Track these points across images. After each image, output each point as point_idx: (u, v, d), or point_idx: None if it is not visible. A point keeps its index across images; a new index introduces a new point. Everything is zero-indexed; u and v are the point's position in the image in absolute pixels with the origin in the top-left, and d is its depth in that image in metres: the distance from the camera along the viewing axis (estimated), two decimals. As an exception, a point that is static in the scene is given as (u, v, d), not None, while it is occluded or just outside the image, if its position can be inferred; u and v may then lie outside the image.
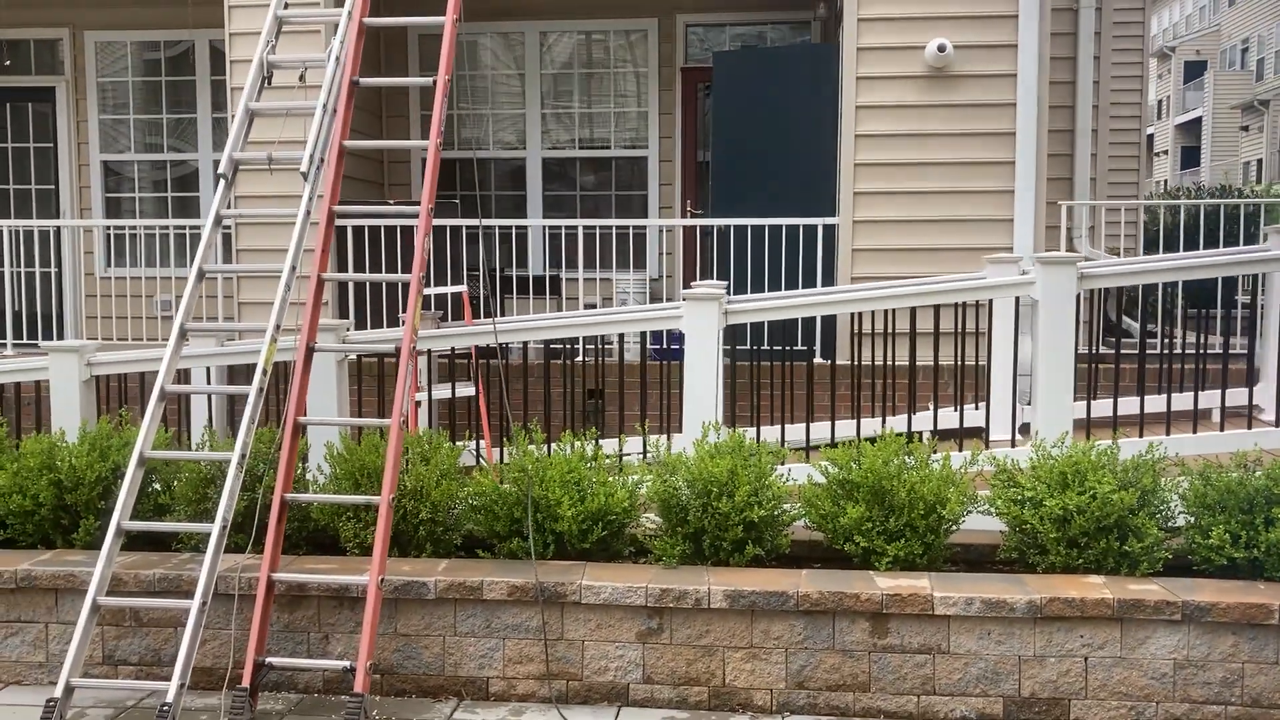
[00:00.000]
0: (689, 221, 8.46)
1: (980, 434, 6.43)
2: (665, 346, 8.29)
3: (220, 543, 4.56)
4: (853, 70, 7.68)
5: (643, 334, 7.08)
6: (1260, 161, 43.38)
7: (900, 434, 5.14)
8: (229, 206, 5.98)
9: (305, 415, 5.04)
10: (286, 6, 5.98)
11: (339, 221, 8.26)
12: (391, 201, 9.51)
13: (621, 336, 7.29)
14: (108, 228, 10.00)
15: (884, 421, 6.05)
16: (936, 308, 6.47)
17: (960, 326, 6.63)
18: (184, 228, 9.65)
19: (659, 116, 9.78)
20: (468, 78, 10.13)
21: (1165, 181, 45.53)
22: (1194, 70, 49.16)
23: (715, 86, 8.68)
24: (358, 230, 8.23)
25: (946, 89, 7.64)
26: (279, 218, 7.52)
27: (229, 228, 8.54)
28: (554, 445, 5.32)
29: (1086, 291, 6.31)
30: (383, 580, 4.52)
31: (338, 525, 5.16)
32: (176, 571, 4.86)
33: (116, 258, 9.95)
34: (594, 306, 9.30)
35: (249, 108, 5.80)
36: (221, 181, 5.69)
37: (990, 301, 6.36)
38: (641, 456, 5.97)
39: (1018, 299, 6.18)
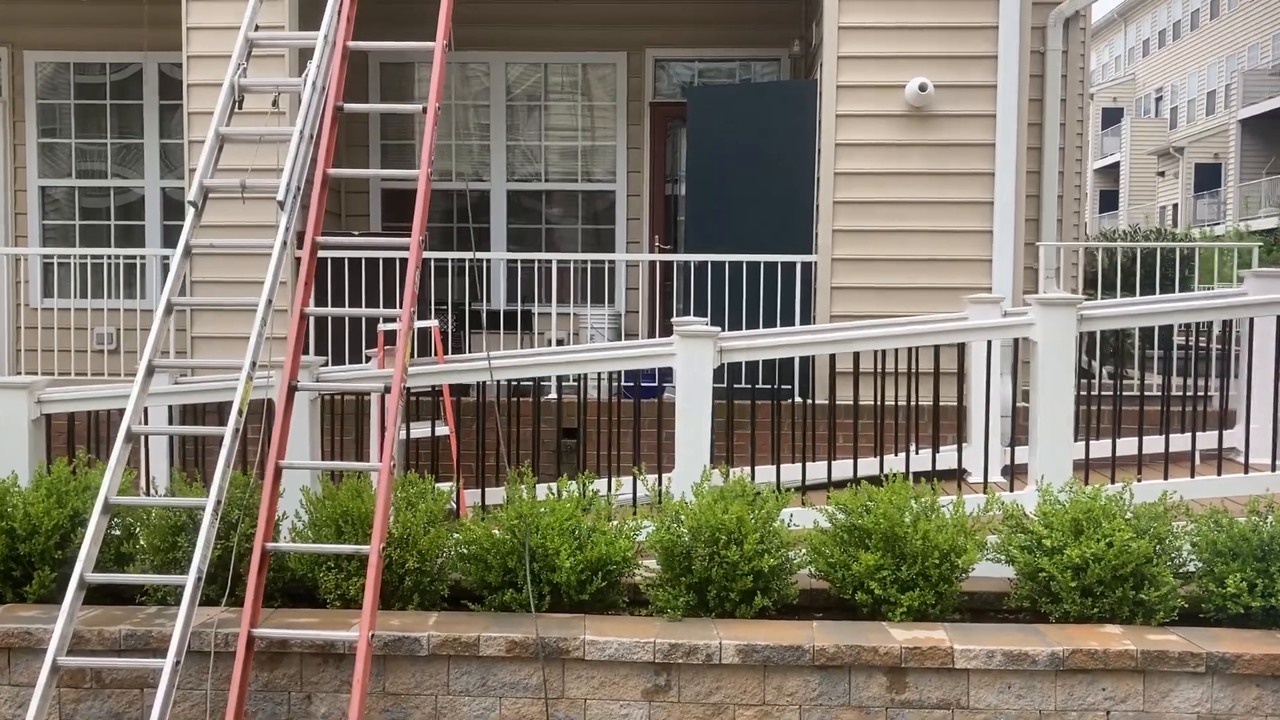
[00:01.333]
0: (666, 257, 8.33)
1: (956, 475, 6.35)
2: (637, 384, 8.14)
3: (195, 596, 4.25)
4: (832, 108, 7.65)
5: (620, 372, 6.89)
6: (1175, 206, 44.89)
7: (892, 474, 5.02)
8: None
9: (285, 458, 4.74)
10: (257, 29, 5.73)
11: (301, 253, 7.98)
12: (363, 233, 9.24)
13: (587, 376, 7.10)
14: (45, 256, 9.54)
15: (855, 463, 5.92)
16: (914, 349, 6.44)
17: (938, 367, 6.58)
18: (130, 258, 9.25)
19: (627, 151, 9.67)
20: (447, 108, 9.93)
21: (1085, 225, 46.76)
22: (1111, 117, 50.81)
23: (690, 121, 8.59)
24: (323, 262, 7.92)
25: (926, 128, 7.64)
26: (251, 249, 7.20)
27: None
28: (546, 489, 5.09)
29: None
30: (373, 636, 4.24)
31: (317, 575, 4.87)
32: (145, 628, 4.52)
33: (53, 288, 9.48)
34: (562, 342, 9.10)
35: (220, 132, 5.55)
36: (190, 210, 5.41)
37: (969, 344, 6.36)
38: (632, 500, 5.77)
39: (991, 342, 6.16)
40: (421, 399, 7.33)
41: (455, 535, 4.98)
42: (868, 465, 6.04)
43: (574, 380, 7.24)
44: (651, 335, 9.42)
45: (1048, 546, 4.70)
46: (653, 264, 9.40)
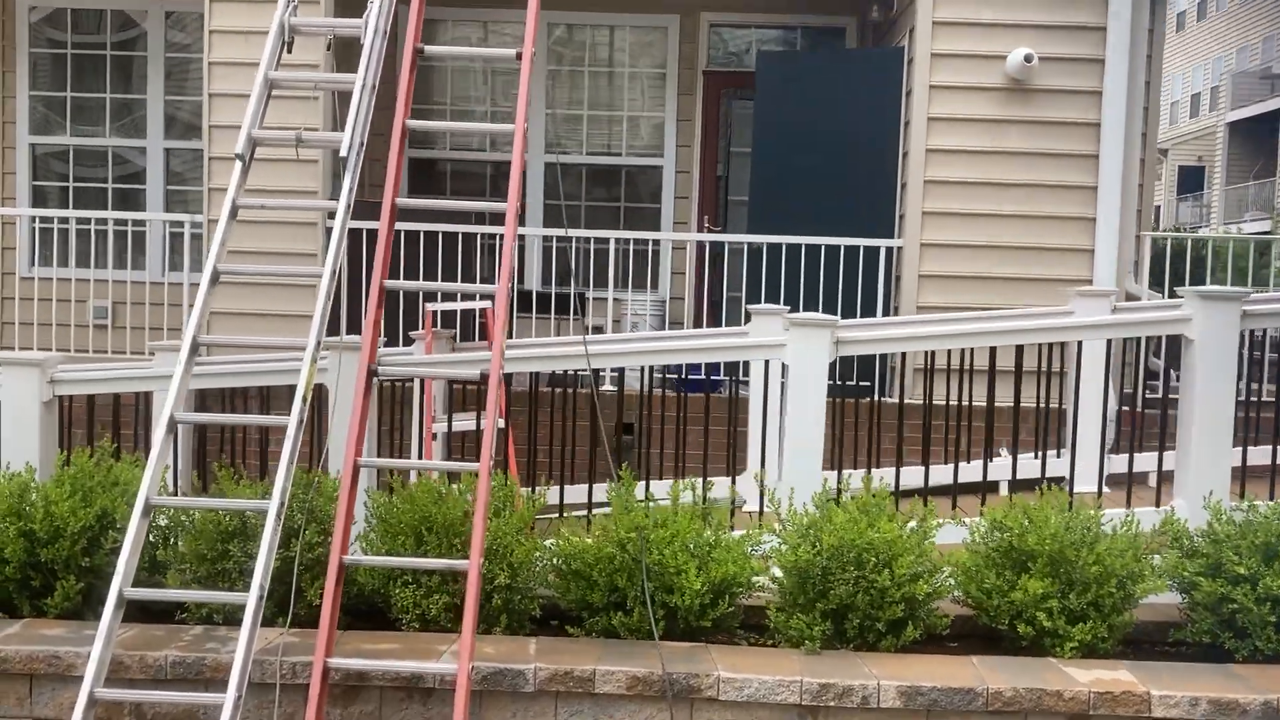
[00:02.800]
0: (735, 237, 7.70)
1: (1054, 482, 5.79)
2: (684, 377, 7.55)
3: (257, 618, 3.63)
4: (925, 78, 7.07)
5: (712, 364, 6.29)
6: (1158, 209, 44.94)
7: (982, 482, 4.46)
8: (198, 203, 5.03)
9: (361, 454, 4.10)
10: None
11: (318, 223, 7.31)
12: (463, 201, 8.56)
13: (652, 368, 6.50)
14: (34, 219, 8.77)
15: (955, 468, 5.36)
16: (1020, 346, 5.89)
17: (1041, 365, 6.04)
18: (129, 224, 8.53)
19: (677, 124, 9.04)
20: (464, 69, 9.26)
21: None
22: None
23: (759, 90, 7.98)
24: (355, 235, 7.25)
25: (1026, 103, 7.08)
26: (303, 209, 6.54)
27: (199, 227, 7.49)
28: (607, 489, 4.49)
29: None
30: (472, 668, 3.63)
31: (390, 591, 4.25)
32: (194, 653, 3.88)
33: (44, 256, 8.72)
34: (600, 329, 8.48)
35: (270, 77, 4.89)
36: (238, 165, 4.76)
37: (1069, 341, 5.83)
38: (734, 508, 5.18)
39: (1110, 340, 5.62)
40: (467, 387, 6.70)
41: (549, 545, 4.37)
42: (963, 470, 5.47)
43: (635, 370, 6.69)
44: (698, 323, 8.81)
45: (1237, 574, 4.16)
46: (700, 247, 8.80)
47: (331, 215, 4.65)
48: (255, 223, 7.24)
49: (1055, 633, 4.13)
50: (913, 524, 4.28)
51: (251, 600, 3.62)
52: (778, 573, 4.29)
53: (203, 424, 5.63)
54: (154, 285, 8.53)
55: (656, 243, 8.82)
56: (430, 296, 6.88)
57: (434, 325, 6.52)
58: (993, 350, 5.75)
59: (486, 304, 6.68)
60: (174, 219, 7.69)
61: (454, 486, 4.42)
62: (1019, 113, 7.11)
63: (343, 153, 4.76)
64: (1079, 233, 7.13)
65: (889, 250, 7.29)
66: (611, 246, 7.89)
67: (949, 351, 6.09)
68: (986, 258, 7.15)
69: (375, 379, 4.21)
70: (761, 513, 5.09)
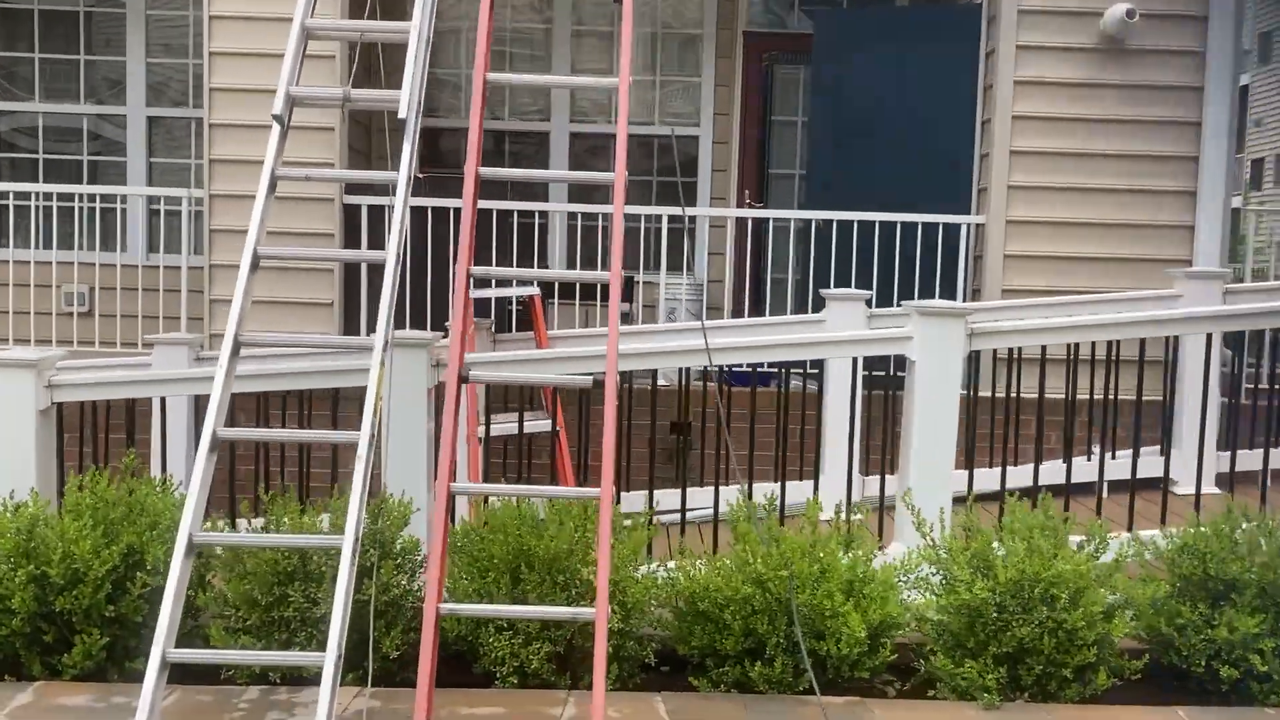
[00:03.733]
0: (802, 214, 7.01)
1: (1159, 485, 5.25)
2: (725, 369, 6.91)
3: (336, 684, 2.96)
4: (1013, 35, 6.45)
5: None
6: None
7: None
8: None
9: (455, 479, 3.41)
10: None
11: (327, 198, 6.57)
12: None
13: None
14: (-1, 196, 7.92)
15: (1036, 469, 4.77)
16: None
17: (1143, 356, 5.46)
18: (107, 200, 7.69)
19: (714, 89, 8.34)
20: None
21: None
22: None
23: (816, 52, 7.32)
24: (375, 211, 6.52)
25: (1122, 65, 6.48)
26: (352, 181, 5.75)
27: (200, 202, 6.69)
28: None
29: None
30: (604, 742, 2.97)
31: (479, 639, 3.58)
32: (256, 727, 3.19)
33: (10, 235, 7.88)
34: (630, 317, 7.81)
35: (306, 26, 4.17)
36: (276, 128, 4.03)
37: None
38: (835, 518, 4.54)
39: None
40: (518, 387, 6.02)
41: (663, 579, 3.72)
42: (1051, 471, 4.88)
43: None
44: (737, 310, 8.14)
45: None
46: (740, 225, 8.12)
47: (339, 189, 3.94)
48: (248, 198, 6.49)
49: (1269, 677, 3.55)
50: (1081, 546, 3.68)
51: (329, 663, 2.95)
52: (932, 613, 3.67)
53: (247, 440, 4.87)
54: (136, 269, 7.71)
55: (692, 222, 8.17)
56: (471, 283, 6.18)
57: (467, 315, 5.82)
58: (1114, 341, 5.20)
59: (531, 290, 5.98)
60: (169, 194, 6.89)
61: (552, 513, 3.74)
62: (1114, 75, 6.50)
63: (402, 113, 4.07)
64: (1177, 208, 6.55)
65: (965, 228, 6.67)
66: (642, 225, 7.24)
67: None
68: (1076, 236, 6.56)
69: (465, 385, 3.50)
70: (849, 523, 4.49)
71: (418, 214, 6.52)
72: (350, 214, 6.54)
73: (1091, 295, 6.28)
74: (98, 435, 5.08)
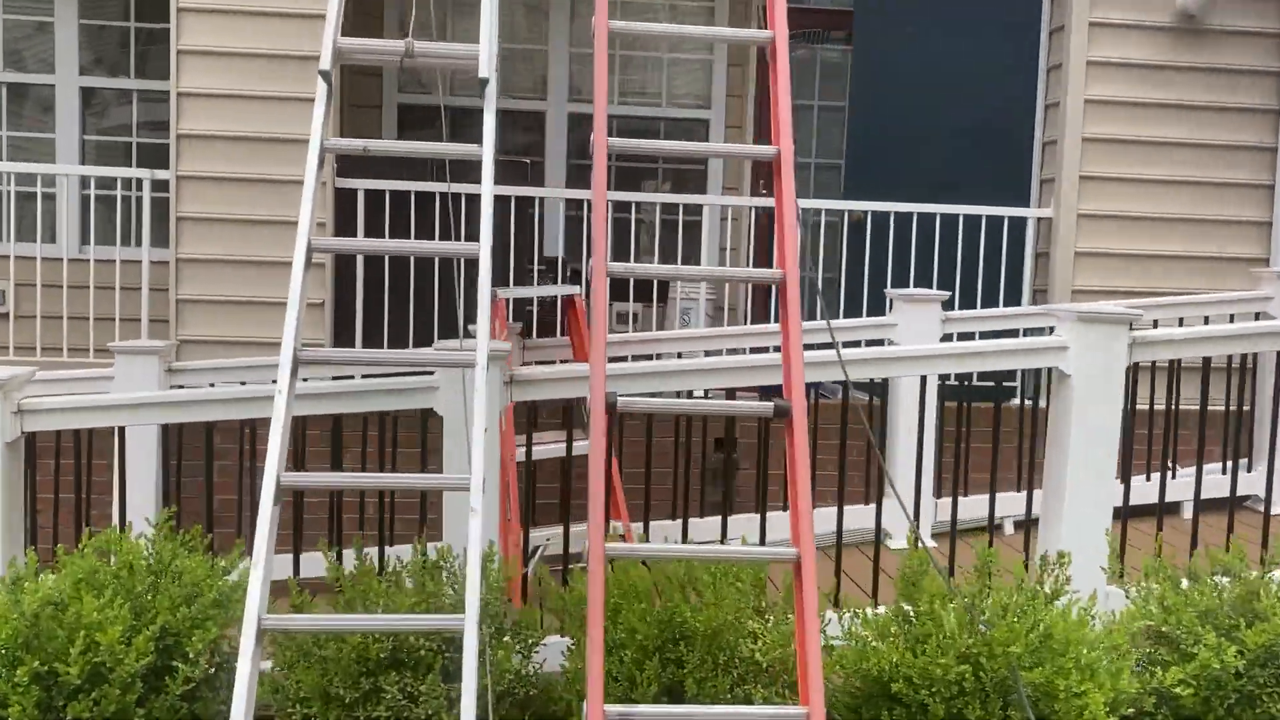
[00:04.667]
0: (840, 204, 6.33)
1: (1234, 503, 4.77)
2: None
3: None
4: (1085, 11, 5.92)
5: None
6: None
7: None
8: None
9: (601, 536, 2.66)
10: None
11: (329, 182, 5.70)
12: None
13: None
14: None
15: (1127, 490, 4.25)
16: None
17: (1246, 363, 4.99)
18: (29, 181, 6.64)
19: (727, 69, 7.66)
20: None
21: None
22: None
23: (857, 27, 6.70)
24: (373, 196, 5.66)
25: (1196, 46, 6.01)
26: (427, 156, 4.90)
27: (164, 184, 5.73)
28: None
29: None
30: None
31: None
32: None
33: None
34: (634, 317, 7.10)
35: (351, -36, 3.35)
36: (321, 87, 3.24)
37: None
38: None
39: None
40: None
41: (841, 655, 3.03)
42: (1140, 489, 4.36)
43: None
44: (757, 312, 7.49)
45: None
46: (759, 219, 7.46)
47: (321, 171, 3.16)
48: (244, 181, 5.60)
49: None
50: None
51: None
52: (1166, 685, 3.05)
53: (319, 488, 3.99)
54: (67, 263, 6.66)
55: (696, 210, 7.47)
56: (499, 280, 5.40)
57: (507, 318, 5.04)
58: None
59: (570, 289, 5.22)
60: (124, 174, 5.89)
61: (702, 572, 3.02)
62: (1186, 57, 6.03)
63: (483, 71, 3.33)
64: (1253, 203, 6.11)
65: (1024, 221, 6.14)
66: (657, 216, 6.56)
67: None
68: (1147, 232, 6.07)
69: (614, 413, 2.76)
70: (918, 548, 3.87)
71: (424, 201, 5.71)
72: (344, 199, 5.68)
73: (1172, 297, 5.81)
74: (59, 467, 4.21)
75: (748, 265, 7.30)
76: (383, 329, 5.69)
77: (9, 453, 3.44)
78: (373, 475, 3.72)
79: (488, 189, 3.21)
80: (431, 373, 3.68)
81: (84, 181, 6.63)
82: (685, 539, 4.41)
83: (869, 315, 6.11)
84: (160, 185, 5.82)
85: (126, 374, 4.93)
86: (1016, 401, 5.76)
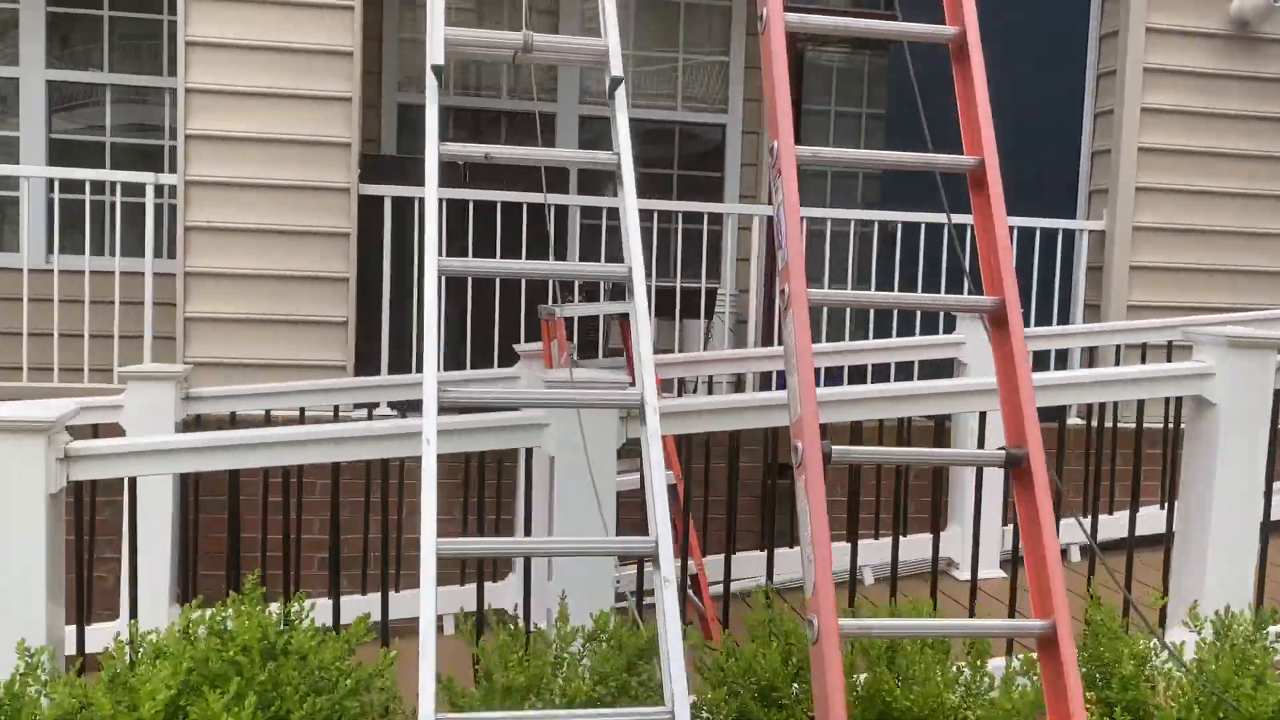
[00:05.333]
0: (874, 214, 6.06)
1: None
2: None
3: None
4: (1141, 17, 5.73)
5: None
6: None
7: None
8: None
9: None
10: None
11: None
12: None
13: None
14: None
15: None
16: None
17: None
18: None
19: (744, 71, 7.34)
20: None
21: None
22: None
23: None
24: (401, 204, 5.20)
25: (1250, 55, 5.87)
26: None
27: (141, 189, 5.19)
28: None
29: None
30: None
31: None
32: None
33: None
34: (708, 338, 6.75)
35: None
36: (432, 83, 2.86)
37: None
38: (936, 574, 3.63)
39: None
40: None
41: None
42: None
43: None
44: (768, 324, 7.19)
45: None
46: (769, 231, 7.16)
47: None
48: (259, 187, 5.10)
49: None
50: None
51: None
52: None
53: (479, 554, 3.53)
54: (31, 274, 6.05)
55: (717, 227, 7.14)
56: (537, 297, 5.03)
57: (557, 337, 4.63)
58: None
59: (622, 307, 4.83)
60: (128, 178, 5.28)
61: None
62: (1240, 66, 5.88)
63: (615, 69, 2.95)
64: (1302, 215, 6.00)
65: (1076, 234, 5.93)
66: (680, 225, 6.20)
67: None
68: (1203, 245, 5.91)
69: (830, 463, 2.39)
70: (974, 581, 3.64)
71: (455, 209, 5.28)
72: (369, 206, 5.22)
73: (1235, 313, 5.64)
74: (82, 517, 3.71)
75: (760, 276, 7.02)
76: (410, 351, 5.24)
77: (52, 505, 2.95)
78: (537, 540, 3.24)
79: (630, 201, 2.84)
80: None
81: (51, 185, 6.04)
82: (770, 576, 4.07)
83: (917, 333, 5.87)
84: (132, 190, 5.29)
85: (139, 402, 4.42)
86: (1076, 420, 5.55)
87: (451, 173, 5.70)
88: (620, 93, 2.99)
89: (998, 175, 2.68)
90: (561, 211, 6.24)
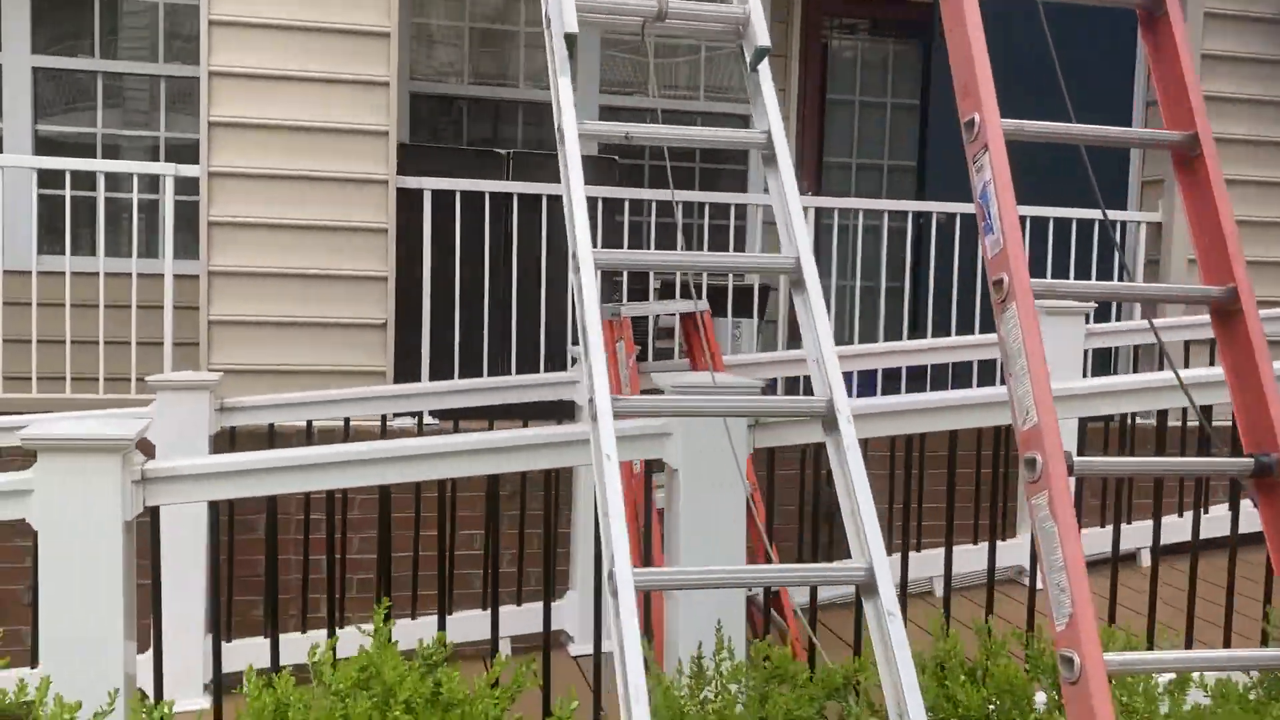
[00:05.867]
0: (937, 206, 5.82)
1: None
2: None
3: None
4: (1199, 1, 5.56)
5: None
6: None
7: None
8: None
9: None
10: None
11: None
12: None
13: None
14: None
15: None
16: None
17: None
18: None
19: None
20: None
21: None
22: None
23: (938, 19, 6.20)
24: (441, 196, 4.86)
25: (1300, 40, 5.74)
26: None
27: (192, 191, 4.79)
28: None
29: None
30: None
31: None
32: None
33: None
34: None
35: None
36: (561, 53, 2.59)
37: None
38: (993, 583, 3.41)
39: None
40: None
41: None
42: None
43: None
44: (792, 329, 6.93)
45: None
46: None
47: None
48: (289, 178, 4.74)
49: None
50: None
51: None
52: None
53: None
54: (70, 278, 5.45)
55: (741, 224, 6.87)
56: (608, 293, 4.72)
57: (624, 338, 4.33)
58: None
59: (696, 305, 4.54)
60: (142, 169, 4.84)
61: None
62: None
63: (763, 39, 2.69)
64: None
65: (1138, 227, 5.76)
66: (731, 222, 5.92)
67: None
68: (1263, 238, 5.77)
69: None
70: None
71: (499, 202, 4.96)
72: (408, 201, 4.87)
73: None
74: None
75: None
76: (451, 355, 4.90)
77: (127, 535, 2.60)
78: (753, 570, 2.83)
79: (790, 185, 2.57)
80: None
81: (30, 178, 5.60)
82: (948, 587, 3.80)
83: (956, 331, 5.68)
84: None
85: (171, 414, 4.06)
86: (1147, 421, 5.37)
87: (479, 165, 5.36)
88: (764, 66, 2.72)
89: (1214, 150, 2.44)
90: (615, 206, 5.86)
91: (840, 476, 2.25)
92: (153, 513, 2.65)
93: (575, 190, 2.39)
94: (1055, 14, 3.25)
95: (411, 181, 4.84)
